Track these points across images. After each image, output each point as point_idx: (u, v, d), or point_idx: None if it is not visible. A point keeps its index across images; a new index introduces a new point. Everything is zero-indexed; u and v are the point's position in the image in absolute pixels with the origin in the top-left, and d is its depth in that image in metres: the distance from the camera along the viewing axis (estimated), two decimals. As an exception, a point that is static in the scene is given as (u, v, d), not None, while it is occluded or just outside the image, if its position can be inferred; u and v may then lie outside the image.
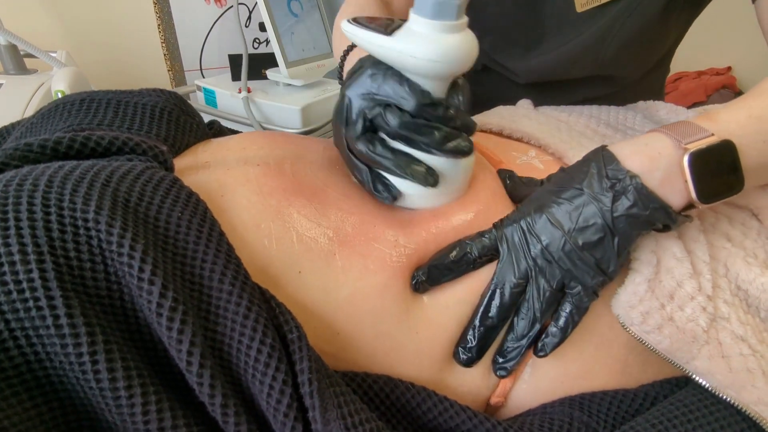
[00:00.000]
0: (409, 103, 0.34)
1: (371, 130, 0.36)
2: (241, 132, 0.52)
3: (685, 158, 0.34)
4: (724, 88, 1.49)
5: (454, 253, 0.36)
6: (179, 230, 0.29)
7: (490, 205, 0.39)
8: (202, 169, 0.38)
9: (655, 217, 0.34)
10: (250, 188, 0.36)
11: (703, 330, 0.35)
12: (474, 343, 0.35)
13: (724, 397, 0.34)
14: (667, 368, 0.39)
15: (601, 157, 0.36)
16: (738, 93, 1.52)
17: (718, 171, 0.34)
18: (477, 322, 0.36)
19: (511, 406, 0.38)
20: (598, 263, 0.35)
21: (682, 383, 0.38)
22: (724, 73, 1.58)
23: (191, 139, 0.43)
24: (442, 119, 0.34)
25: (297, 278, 0.33)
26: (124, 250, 0.26)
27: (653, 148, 0.35)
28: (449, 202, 0.39)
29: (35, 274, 0.24)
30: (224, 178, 0.37)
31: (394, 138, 0.36)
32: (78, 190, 0.28)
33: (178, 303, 0.26)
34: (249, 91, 0.86)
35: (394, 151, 0.36)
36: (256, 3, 0.84)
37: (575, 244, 0.34)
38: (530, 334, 0.35)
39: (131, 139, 0.35)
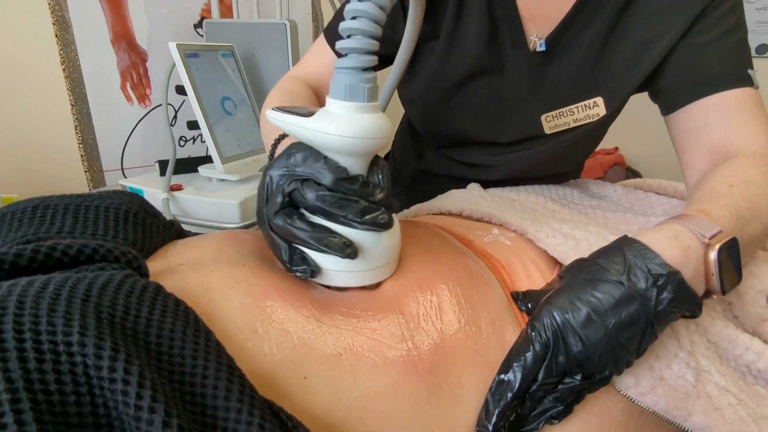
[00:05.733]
0: (325, 177, 0.34)
1: (291, 206, 0.36)
2: (195, 232, 0.49)
3: (713, 254, 0.36)
4: (616, 165, 1.74)
5: (516, 384, 0.34)
6: (173, 344, 0.26)
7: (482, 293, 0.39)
8: (177, 273, 0.35)
9: (689, 310, 0.35)
10: (240, 290, 0.34)
11: (692, 385, 0.36)
12: (502, 424, 0.34)
13: None
14: (665, 428, 0.39)
15: (637, 249, 0.36)
16: (627, 168, 1.76)
17: (732, 265, 0.37)
18: (507, 410, 0.34)
19: None
20: (628, 356, 0.35)
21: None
22: (613, 153, 1.84)
23: (159, 240, 0.40)
24: (360, 194, 0.34)
25: (303, 384, 0.31)
26: (117, 375, 0.23)
27: (683, 242, 0.36)
28: (374, 281, 0.38)
29: (8, 419, 0.20)
30: (208, 281, 0.34)
31: (313, 212, 0.35)
32: (56, 309, 0.24)
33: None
34: (180, 188, 0.83)
35: (312, 225, 0.35)
36: (183, 102, 0.84)
37: (617, 341, 0.34)
38: (552, 413, 0.35)
39: (102, 245, 0.31)
